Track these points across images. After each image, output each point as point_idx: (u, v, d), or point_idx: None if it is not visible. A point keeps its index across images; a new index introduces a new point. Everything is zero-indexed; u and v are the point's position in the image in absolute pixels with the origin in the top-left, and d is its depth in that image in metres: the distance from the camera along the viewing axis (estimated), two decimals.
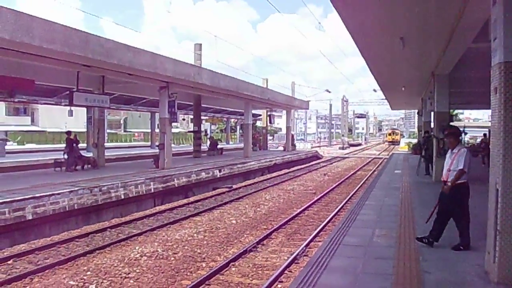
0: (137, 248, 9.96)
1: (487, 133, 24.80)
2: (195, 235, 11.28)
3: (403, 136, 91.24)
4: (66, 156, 18.60)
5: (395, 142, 78.53)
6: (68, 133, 19.30)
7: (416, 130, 65.11)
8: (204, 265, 8.98)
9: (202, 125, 35.01)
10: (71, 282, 7.75)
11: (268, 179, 24.91)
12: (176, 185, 17.28)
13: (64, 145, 19.65)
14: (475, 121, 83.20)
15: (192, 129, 32.21)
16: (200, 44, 28.47)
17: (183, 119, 62.66)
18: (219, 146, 33.46)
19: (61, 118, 55.90)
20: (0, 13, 10.12)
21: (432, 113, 19.53)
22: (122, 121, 77.68)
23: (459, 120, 65.91)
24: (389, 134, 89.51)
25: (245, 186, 21.62)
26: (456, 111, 57.50)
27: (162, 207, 15.57)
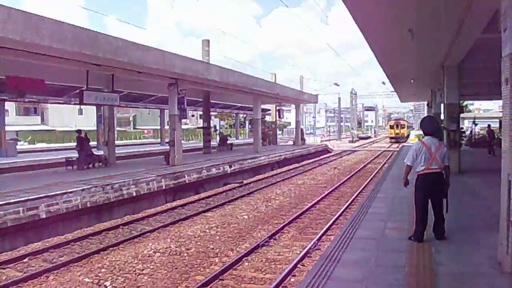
0: (150, 244, 10.04)
1: (498, 124, 24.63)
2: (207, 230, 11.35)
3: (413, 128, 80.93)
4: (70, 157, 18.74)
5: (400, 139, 58.07)
6: (79, 131, 19.43)
7: None
8: (217, 260, 9.04)
9: (211, 121, 35.08)
10: (86, 279, 7.84)
11: (278, 173, 24.94)
12: (187, 181, 17.36)
13: (74, 143, 19.79)
14: (485, 111, 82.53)
15: (201, 125, 32.29)
16: (208, 40, 28.53)
17: (192, 115, 62.65)
18: (228, 142, 33.53)
19: (71, 117, 56.23)
20: (9, 14, 10.20)
21: (442, 104, 19.43)
22: (131, 119, 77.92)
23: (469, 111, 65.57)
24: (391, 127, 63.94)
25: (255, 181, 21.67)
26: (466, 102, 57.17)
27: (174, 204, 15.66)
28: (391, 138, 62.07)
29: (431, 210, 6.94)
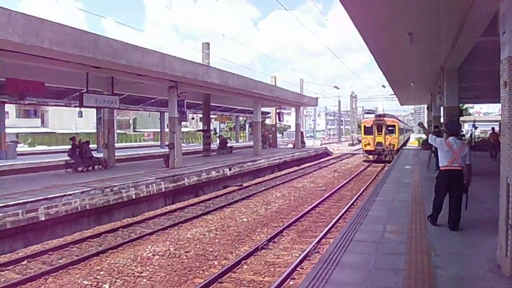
0: (149, 247, 10.03)
1: (498, 127, 24.60)
2: (206, 233, 11.34)
3: (413, 131, 75.95)
4: (69, 158, 18.69)
5: (387, 154, 32.72)
6: (73, 138, 19.44)
7: (426, 125, 62.97)
8: (216, 263, 9.03)
9: (211, 124, 35.07)
10: (85, 282, 7.83)
11: (278, 176, 24.93)
12: (186, 184, 17.34)
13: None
14: (485, 115, 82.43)
15: (201, 128, 32.31)
16: (208, 43, 28.61)
17: (192, 118, 62.84)
18: (228, 145, 33.52)
19: (71, 120, 56.40)
20: (10, 16, 10.21)
21: (442, 107, 19.45)
22: (131, 121, 77.91)
23: (469, 114, 64.95)
24: (367, 131, 34.70)
25: (255, 184, 21.66)
26: (466, 105, 57.04)
27: (173, 206, 15.66)
28: (368, 152, 34.02)
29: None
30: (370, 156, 33.42)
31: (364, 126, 35.07)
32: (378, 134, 33.30)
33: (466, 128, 46.51)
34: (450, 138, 7.81)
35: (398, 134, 34.45)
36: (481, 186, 12.66)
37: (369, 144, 33.57)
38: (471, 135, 37.94)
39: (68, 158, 18.78)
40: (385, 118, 34.57)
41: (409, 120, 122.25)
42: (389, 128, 33.65)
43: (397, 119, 38.69)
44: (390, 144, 32.91)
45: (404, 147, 41.99)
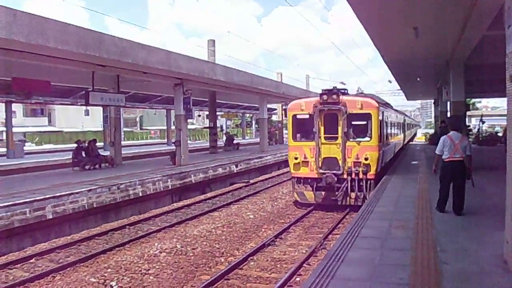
0: (156, 244, 10.06)
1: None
2: (213, 230, 11.35)
3: (420, 127, 72.40)
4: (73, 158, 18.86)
5: (346, 186, 13.08)
6: (78, 141, 19.55)
7: (433, 120, 62.13)
8: (223, 260, 9.05)
9: (217, 121, 35.08)
10: (92, 279, 7.86)
11: (284, 173, 24.85)
12: (193, 181, 17.37)
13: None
14: (493, 109, 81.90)
15: (207, 125, 32.34)
16: (213, 40, 28.52)
17: (199, 115, 62.61)
18: (235, 141, 33.53)
19: (77, 118, 56.67)
20: (15, 16, 10.25)
21: (449, 102, 19.35)
22: (137, 119, 78.14)
23: (476, 109, 64.26)
24: (297, 131, 14.14)
25: (262, 180, 21.68)
26: (473, 100, 56.45)
27: (180, 204, 15.69)
28: (303, 182, 13.85)
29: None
30: (308, 194, 14.02)
31: (293, 118, 14.51)
32: (328, 138, 13.76)
33: (473, 122, 46.08)
34: (452, 132, 8.46)
35: (379, 137, 13.83)
36: (488, 180, 12.59)
37: (305, 162, 13.93)
38: (478, 129, 37.62)
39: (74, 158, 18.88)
40: (345, 98, 13.61)
41: (416, 116, 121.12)
42: (356, 122, 13.74)
43: (377, 101, 14.89)
44: (358, 161, 13.40)
45: (411, 143, 38.58)
